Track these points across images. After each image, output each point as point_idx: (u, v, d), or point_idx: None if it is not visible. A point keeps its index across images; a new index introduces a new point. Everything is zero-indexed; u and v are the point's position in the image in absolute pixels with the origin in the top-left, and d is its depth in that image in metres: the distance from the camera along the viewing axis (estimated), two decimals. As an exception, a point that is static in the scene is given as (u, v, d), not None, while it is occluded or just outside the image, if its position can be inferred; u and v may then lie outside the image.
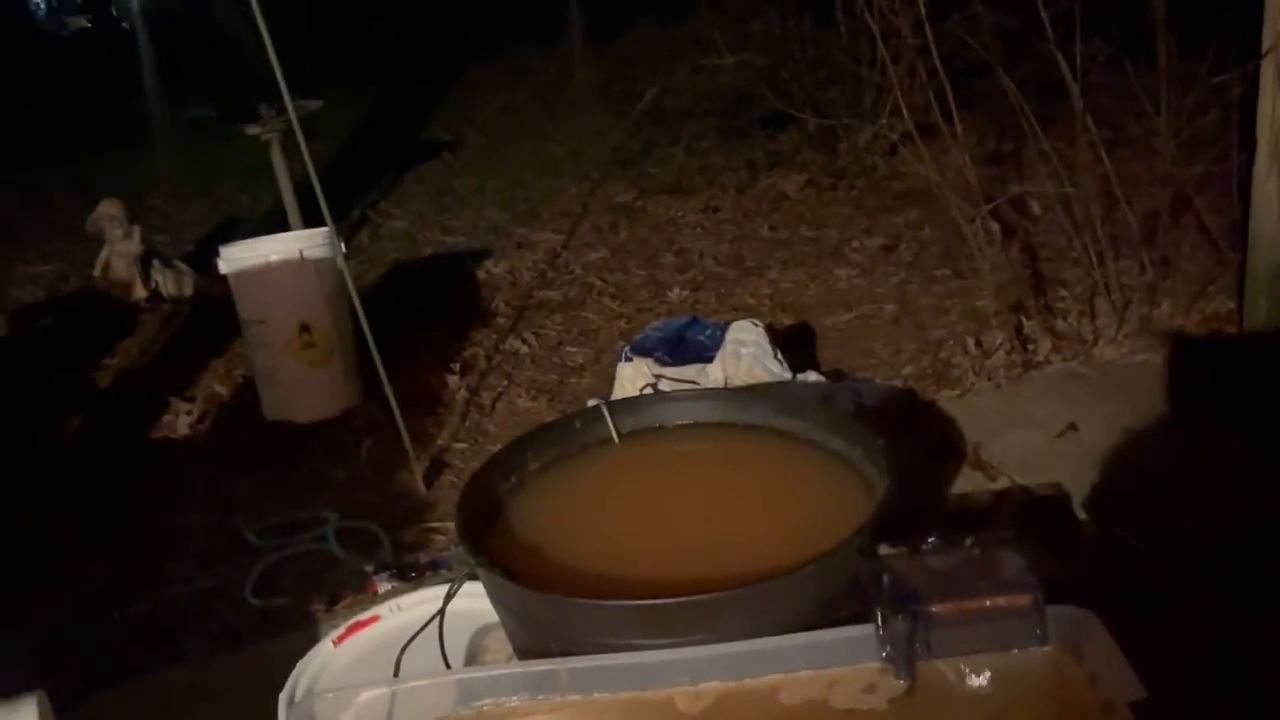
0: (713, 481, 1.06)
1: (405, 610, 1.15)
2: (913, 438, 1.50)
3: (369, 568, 1.39)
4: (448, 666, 0.91)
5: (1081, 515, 1.23)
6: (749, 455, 1.08)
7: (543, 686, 0.81)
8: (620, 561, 0.93)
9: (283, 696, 1.04)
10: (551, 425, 1.11)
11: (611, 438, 1.11)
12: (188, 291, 2.73)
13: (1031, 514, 1.24)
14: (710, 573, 0.86)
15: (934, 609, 0.79)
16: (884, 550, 0.84)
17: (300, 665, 1.08)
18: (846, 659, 0.80)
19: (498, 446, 1.45)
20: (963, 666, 0.78)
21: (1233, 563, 1.10)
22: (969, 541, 0.84)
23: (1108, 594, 0.79)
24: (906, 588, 0.80)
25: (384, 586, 1.35)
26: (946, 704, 0.77)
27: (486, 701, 0.82)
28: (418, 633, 0.94)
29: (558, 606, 0.83)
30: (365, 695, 0.83)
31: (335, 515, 1.56)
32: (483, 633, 1.08)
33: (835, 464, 1.02)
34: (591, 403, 1.51)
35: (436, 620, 0.92)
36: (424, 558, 1.41)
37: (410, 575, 1.35)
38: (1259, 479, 1.26)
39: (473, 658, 1.07)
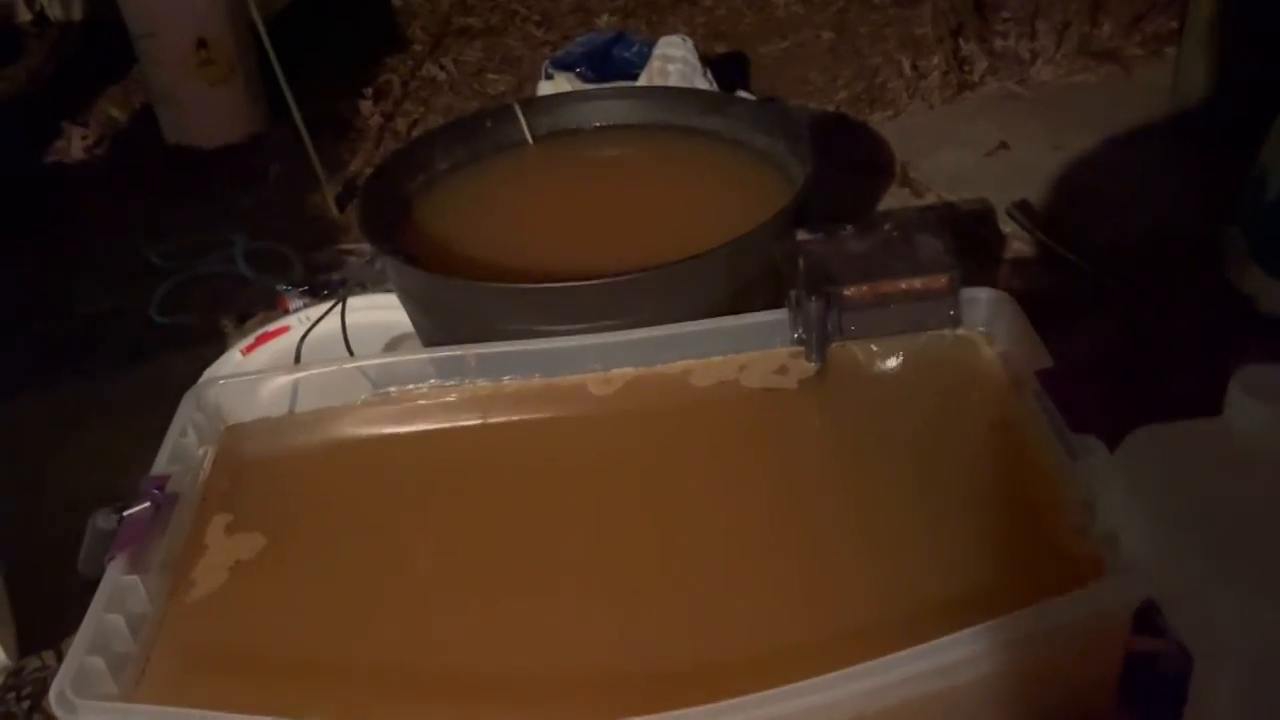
0: (632, 182, 1.02)
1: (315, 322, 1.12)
2: (843, 158, 1.46)
3: (281, 287, 1.34)
4: (351, 355, 0.89)
5: (1006, 228, 1.22)
6: (670, 156, 1.03)
7: (449, 372, 0.79)
8: (531, 255, 0.90)
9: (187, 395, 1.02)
10: (461, 123, 1.04)
11: (525, 139, 1.05)
12: (76, 15, 2.52)
13: (957, 226, 1.22)
14: (625, 264, 0.83)
15: (848, 291, 0.77)
16: (801, 236, 0.81)
17: (207, 373, 1.06)
18: (759, 343, 0.79)
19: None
20: (874, 348, 0.78)
21: (1151, 268, 1.10)
22: (888, 225, 0.81)
23: (1028, 296, 0.78)
24: (822, 270, 0.78)
25: (296, 304, 1.30)
26: (856, 385, 0.77)
27: (393, 389, 0.81)
28: (319, 319, 0.91)
29: (464, 291, 0.80)
30: (266, 382, 0.80)
31: (242, 237, 1.49)
32: (396, 341, 1.06)
33: (759, 162, 0.98)
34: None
35: (339, 313, 0.88)
36: (338, 277, 1.36)
37: (323, 293, 1.31)
38: (1185, 192, 1.25)
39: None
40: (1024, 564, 0.62)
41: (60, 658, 0.86)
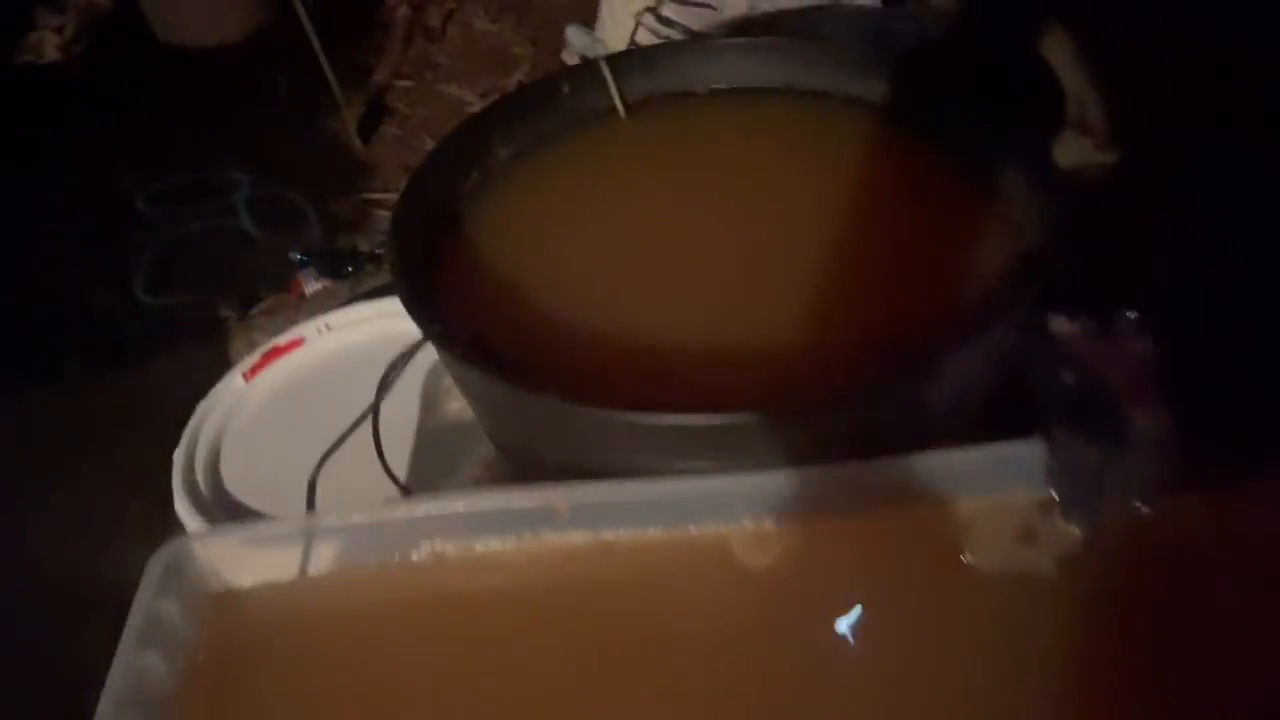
0: (772, 185, 0.72)
1: (336, 332, 0.88)
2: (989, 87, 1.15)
3: (294, 255, 1.09)
4: (390, 476, 0.63)
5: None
6: (817, 144, 0.74)
7: (531, 523, 0.55)
8: (631, 303, 0.63)
9: (177, 455, 0.79)
10: (528, 91, 0.75)
11: (616, 109, 0.76)
12: None
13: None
14: (782, 342, 0.57)
15: (1140, 421, 0.51)
16: (1055, 325, 0.54)
17: (201, 409, 0.83)
18: (984, 486, 0.53)
19: (451, 86, 1.10)
20: (1176, 511, 0.52)
21: None
22: (1190, 305, 0.54)
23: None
24: (1095, 388, 0.52)
25: (312, 286, 1.05)
26: (1151, 574, 0.51)
27: (448, 546, 0.56)
28: (340, 440, 0.66)
29: (557, 414, 0.54)
30: (267, 534, 0.56)
31: (248, 179, 1.22)
32: (442, 370, 0.81)
33: (950, 157, 0.69)
34: (571, 31, 1.14)
35: (370, 424, 0.63)
36: (363, 245, 1.10)
37: (345, 271, 1.05)
38: None
39: (431, 405, 0.80)
40: None
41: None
